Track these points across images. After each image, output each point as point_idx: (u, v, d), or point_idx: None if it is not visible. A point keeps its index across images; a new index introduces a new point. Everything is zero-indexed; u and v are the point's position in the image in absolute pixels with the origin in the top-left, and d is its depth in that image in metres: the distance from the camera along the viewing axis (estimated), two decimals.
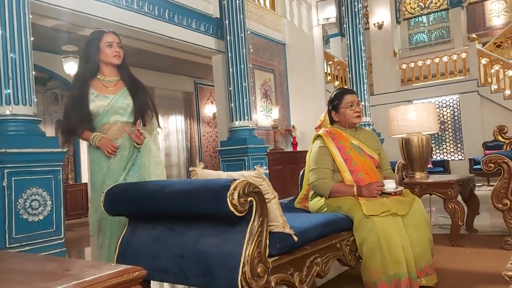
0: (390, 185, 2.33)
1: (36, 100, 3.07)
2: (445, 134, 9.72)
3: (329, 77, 10.03)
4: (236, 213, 1.47)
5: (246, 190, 1.50)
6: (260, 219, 1.55)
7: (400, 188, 2.39)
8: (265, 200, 1.61)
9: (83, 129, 2.24)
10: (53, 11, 3.91)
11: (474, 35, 9.76)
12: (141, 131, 2.26)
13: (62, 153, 3.03)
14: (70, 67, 6.54)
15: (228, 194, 1.47)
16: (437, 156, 9.77)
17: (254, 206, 1.54)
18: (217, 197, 1.49)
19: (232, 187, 1.48)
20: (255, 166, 1.71)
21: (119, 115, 2.28)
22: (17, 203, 2.75)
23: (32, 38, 3.06)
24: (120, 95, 2.30)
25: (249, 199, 1.52)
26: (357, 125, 2.66)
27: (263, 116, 7.00)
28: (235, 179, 1.52)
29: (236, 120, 5.47)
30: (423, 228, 2.24)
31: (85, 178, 7.45)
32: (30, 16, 3.08)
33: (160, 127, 2.45)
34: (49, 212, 2.93)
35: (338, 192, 2.38)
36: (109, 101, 2.25)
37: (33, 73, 3.04)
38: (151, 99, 2.43)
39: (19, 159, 2.77)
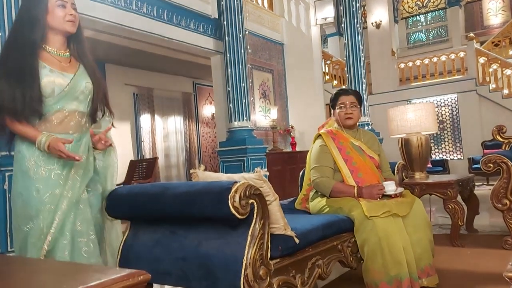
0: (390, 187, 2.34)
1: None
2: (444, 134, 9.74)
3: (327, 77, 10.04)
4: (237, 215, 1.47)
5: (247, 193, 1.50)
6: (262, 221, 1.55)
7: (400, 189, 2.40)
8: (266, 202, 1.61)
9: (25, 117, 1.61)
10: None
11: (472, 34, 9.78)
12: (108, 138, 1.80)
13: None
14: None
15: (229, 197, 1.47)
16: (436, 156, 9.79)
17: (255, 208, 1.54)
18: (218, 200, 1.49)
19: (233, 190, 1.48)
20: (255, 168, 1.71)
21: (78, 101, 1.72)
22: None
23: None
24: (79, 75, 1.74)
25: (250, 201, 1.52)
26: (357, 126, 2.67)
27: (262, 116, 7.00)
28: (236, 182, 1.52)
29: (235, 121, 5.48)
30: (423, 228, 2.25)
31: None
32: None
33: (114, 126, 1.89)
34: None
35: (339, 191, 2.38)
36: (68, 81, 1.69)
37: None
38: (106, 89, 1.91)
39: None
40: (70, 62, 1.76)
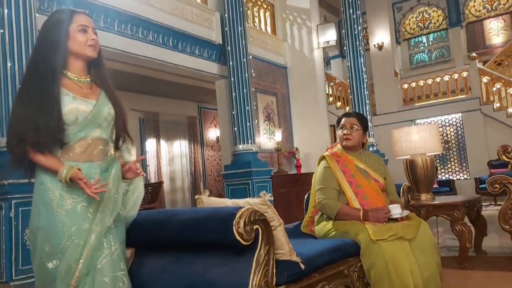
0: (396, 210, 2.32)
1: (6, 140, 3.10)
2: (450, 153, 9.70)
3: (331, 98, 10.11)
4: (242, 241, 1.47)
5: (252, 218, 1.51)
6: (267, 247, 1.55)
7: (406, 212, 2.39)
8: (271, 227, 1.61)
9: (48, 147, 1.55)
10: None
11: (474, 54, 9.86)
12: (139, 167, 1.74)
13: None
14: None
15: (234, 223, 1.47)
16: (442, 176, 9.72)
17: (260, 234, 1.54)
18: (223, 226, 1.49)
19: (237, 215, 1.49)
20: (260, 193, 1.72)
21: (101, 129, 1.66)
22: (24, 234, 2.76)
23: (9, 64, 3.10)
24: (101, 101, 1.69)
25: (255, 227, 1.53)
26: (361, 148, 2.67)
27: (266, 138, 7.03)
28: (240, 207, 1.53)
29: (240, 144, 5.51)
30: (430, 252, 2.22)
31: None
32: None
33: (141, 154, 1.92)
34: None
35: (345, 214, 2.37)
36: (92, 108, 1.64)
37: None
38: (126, 115, 1.82)
39: (26, 190, 2.75)
40: (91, 88, 1.71)
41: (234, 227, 1.46)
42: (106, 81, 1.76)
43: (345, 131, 2.59)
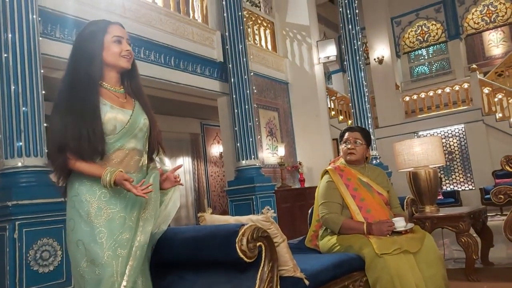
0: (400, 223, 2.32)
1: (47, 150, 3.15)
2: (454, 164, 9.66)
3: (333, 112, 10.14)
4: (245, 259, 1.48)
5: (254, 235, 1.51)
6: (270, 264, 1.55)
7: (410, 225, 2.38)
8: (274, 244, 1.61)
9: (89, 156, 1.55)
10: (64, 64, 4.05)
11: (474, 66, 9.90)
12: (176, 176, 1.72)
13: None
14: None
15: (236, 240, 1.48)
16: (447, 187, 9.66)
17: (264, 251, 1.54)
18: (226, 244, 1.50)
19: (240, 233, 1.49)
20: (262, 210, 1.73)
21: (136, 139, 1.65)
22: (28, 255, 2.77)
23: (43, 92, 3.18)
24: (137, 111, 1.68)
25: (258, 244, 1.53)
26: (364, 162, 2.68)
27: (269, 154, 7.04)
28: (243, 224, 1.54)
29: (243, 160, 5.52)
30: (436, 264, 2.21)
31: None
32: (42, 71, 3.21)
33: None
34: (59, 263, 2.94)
35: (349, 228, 2.37)
36: (129, 117, 1.63)
37: (45, 124, 3.14)
38: (159, 127, 1.83)
39: (30, 210, 2.81)
40: (126, 98, 1.70)
41: (237, 245, 1.47)
42: (141, 92, 1.76)
43: (349, 146, 2.60)
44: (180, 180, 1.72)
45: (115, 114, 1.60)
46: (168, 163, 1.81)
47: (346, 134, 2.66)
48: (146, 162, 1.72)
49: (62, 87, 1.63)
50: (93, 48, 1.61)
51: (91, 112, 1.55)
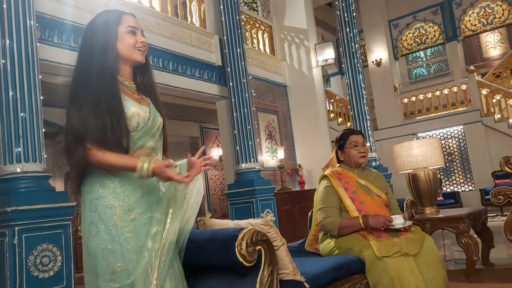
0: (398, 220, 2.31)
1: (46, 156, 3.15)
2: (453, 165, 9.67)
3: (332, 115, 10.15)
4: (245, 263, 1.47)
5: (254, 239, 1.51)
6: (270, 268, 1.55)
7: (409, 223, 2.38)
8: (274, 248, 1.61)
9: (115, 150, 1.42)
10: (63, 70, 4.07)
11: (472, 67, 9.93)
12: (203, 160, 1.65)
13: (72, 207, 3.06)
14: None
15: (236, 244, 1.48)
16: (447, 188, 9.67)
17: (263, 255, 1.54)
18: (225, 248, 1.50)
19: (239, 237, 1.49)
20: (261, 214, 1.73)
21: (153, 138, 1.57)
22: (28, 260, 2.76)
23: (41, 97, 3.18)
24: (153, 108, 1.60)
25: (258, 248, 1.53)
26: (363, 165, 2.68)
27: (269, 156, 7.04)
28: (242, 228, 1.54)
29: (242, 163, 5.51)
30: (436, 266, 2.20)
31: None
32: (40, 76, 3.21)
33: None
34: (59, 268, 2.93)
35: (346, 226, 2.37)
36: (148, 114, 1.54)
37: (43, 130, 3.14)
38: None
39: (29, 216, 2.80)
40: (139, 94, 1.60)
41: (236, 249, 1.47)
42: (154, 88, 1.65)
43: (361, 149, 2.60)
44: (210, 159, 1.61)
45: (138, 109, 1.50)
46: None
47: (353, 137, 2.64)
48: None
49: (77, 80, 1.50)
50: (108, 39, 1.49)
51: (114, 103, 1.42)
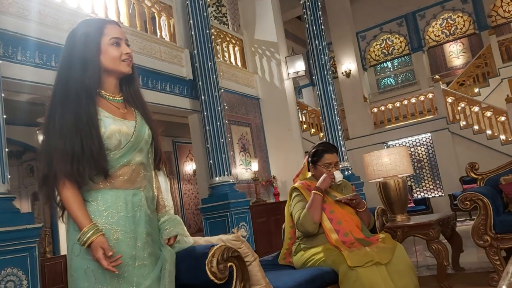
0: (337, 175, 2.57)
1: (9, 176, 3.04)
2: (423, 172, 9.92)
3: (305, 126, 10.26)
4: (216, 280, 1.45)
5: (225, 256, 1.49)
6: (242, 284, 1.53)
7: (353, 194, 2.54)
8: (246, 263, 1.60)
9: (89, 177, 1.38)
10: (26, 87, 3.96)
11: (437, 76, 10.28)
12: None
13: (37, 229, 2.95)
14: None
15: (206, 262, 1.46)
16: (417, 195, 9.89)
17: (235, 271, 1.53)
18: (195, 266, 1.47)
19: (210, 254, 1.47)
20: (232, 229, 1.71)
21: (141, 152, 1.50)
22: None
23: (5, 116, 3.07)
24: (140, 121, 1.54)
25: (229, 264, 1.51)
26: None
27: (243, 169, 7.03)
28: (213, 245, 1.52)
29: (216, 176, 5.48)
30: (407, 274, 2.24)
31: (63, 250, 7.17)
32: (3, 94, 3.11)
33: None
34: None
35: (310, 207, 2.45)
36: (133, 129, 1.48)
37: (6, 150, 3.03)
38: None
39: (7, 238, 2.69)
40: (126, 107, 1.54)
41: (207, 267, 1.45)
42: (141, 99, 1.59)
43: (332, 170, 2.62)
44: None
45: (119, 126, 1.44)
46: (165, 178, 1.70)
47: (328, 156, 2.65)
48: (153, 176, 1.59)
49: (52, 101, 1.44)
50: (89, 53, 1.44)
51: (88, 126, 1.37)
